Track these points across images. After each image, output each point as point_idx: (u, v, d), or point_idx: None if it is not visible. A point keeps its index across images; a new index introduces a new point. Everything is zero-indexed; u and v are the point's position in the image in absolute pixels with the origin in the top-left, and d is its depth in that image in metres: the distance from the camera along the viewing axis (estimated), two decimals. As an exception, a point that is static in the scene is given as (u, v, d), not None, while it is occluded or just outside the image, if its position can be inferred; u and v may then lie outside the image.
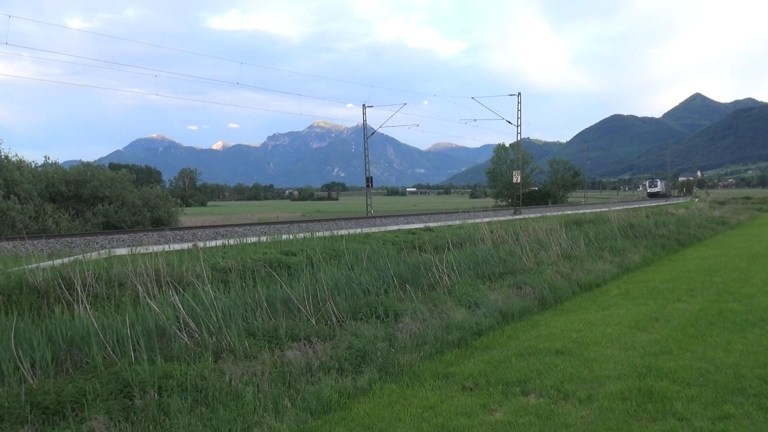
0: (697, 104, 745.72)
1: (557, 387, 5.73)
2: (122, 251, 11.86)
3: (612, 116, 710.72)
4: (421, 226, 21.40)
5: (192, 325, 6.76)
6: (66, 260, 9.44)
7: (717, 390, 5.51)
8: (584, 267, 12.95)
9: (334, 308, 7.84)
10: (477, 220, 22.14)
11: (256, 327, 7.04)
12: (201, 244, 12.96)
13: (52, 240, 15.56)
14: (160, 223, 31.50)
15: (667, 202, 58.26)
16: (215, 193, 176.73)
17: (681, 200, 70.54)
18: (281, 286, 8.33)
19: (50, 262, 9.26)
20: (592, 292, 11.38)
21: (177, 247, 12.67)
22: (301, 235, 15.79)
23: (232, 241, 14.53)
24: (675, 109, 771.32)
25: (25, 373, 5.36)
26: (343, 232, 17.13)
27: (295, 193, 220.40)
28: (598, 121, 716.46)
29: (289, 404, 5.28)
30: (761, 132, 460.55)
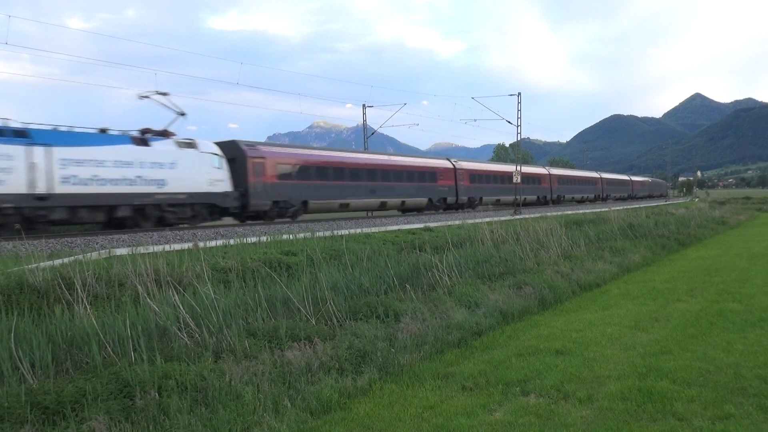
0: (697, 104, 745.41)
1: (557, 387, 5.73)
2: (122, 251, 11.85)
3: (612, 116, 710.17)
4: (421, 226, 21.39)
5: (192, 325, 6.76)
6: (66, 260, 9.44)
7: (717, 390, 5.51)
8: (584, 267, 12.95)
9: (334, 308, 7.84)
10: (477, 220, 22.14)
11: (256, 327, 7.05)
12: (201, 244, 12.96)
13: (52, 240, 15.54)
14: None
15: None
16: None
17: (681, 200, 70.17)
18: (281, 287, 8.33)
19: (50, 262, 9.25)
20: (592, 292, 11.38)
21: (177, 247, 12.66)
22: (301, 235, 15.78)
23: (232, 241, 14.52)
24: (675, 109, 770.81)
25: (25, 373, 5.36)
26: (344, 232, 17.12)
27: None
28: (598, 121, 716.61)
29: (289, 404, 5.28)
30: (761, 132, 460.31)
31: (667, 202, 58.61)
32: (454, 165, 40.24)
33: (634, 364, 6.39)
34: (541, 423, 4.92)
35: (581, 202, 62.06)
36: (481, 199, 42.92)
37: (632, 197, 79.38)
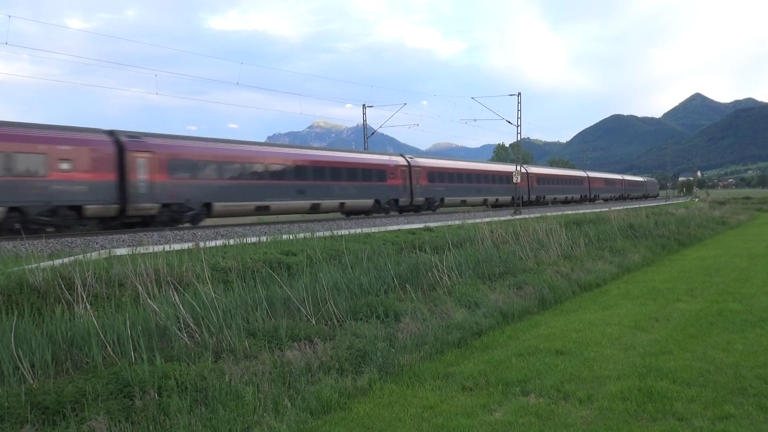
0: (697, 104, 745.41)
1: (557, 387, 5.73)
2: (122, 251, 11.84)
3: (612, 116, 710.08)
4: (421, 226, 21.39)
5: (192, 325, 6.76)
6: (66, 260, 9.43)
7: (717, 390, 5.52)
8: (584, 267, 12.96)
9: (334, 308, 7.85)
10: (477, 220, 22.14)
11: (256, 327, 7.05)
12: (201, 244, 12.96)
13: (52, 240, 15.54)
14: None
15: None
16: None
17: (681, 200, 69.61)
18: (281, 286, 8.33)
19: (50, 262, 9.25)
20: (592, 292, 11.39)
21: (177, 247, 12.66)
22: (301, 235, 15.78)
23: (232, 241, 14.52)
24: (675, 109, 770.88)
25: (25, 373, 5.36)
26: (344, 232, 17.12)
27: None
28: (598, 121, 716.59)
29: (289, 404, 5.29)
30: (761, 132, 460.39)
31: (665, 203, 58.25)
32: (122, 143, 21.56)
33: (634, 364, 6.39)
34: (541, 423, 4.92)
35: (495, 206, 44.24)
36: (209, 206, 24.27)
37: (589, 199, 62.90)
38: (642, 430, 4.74)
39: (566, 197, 58.65)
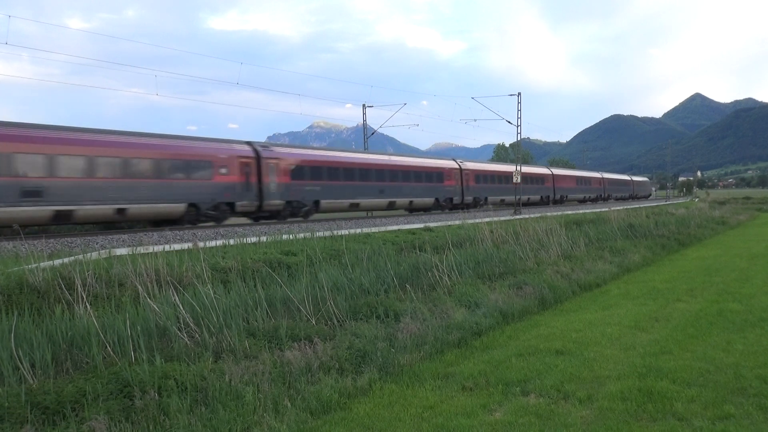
0: (697, 104, 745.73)
1: (557, 387, 5.73)
2: (122, 251, 11.84)
3: (612, 116, 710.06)
4: (421, 226, 21.39)
5: (192, 325, 6.76)
6: (66, 260, 9.43)
7: (717, 390, 5.52)
8: (584, 267, 12.96)
9: (334, 308, 7.85)
10: (477, 220, 22.13)
11: (256, 327, 7.05)
12: (201, 244, 12.95)
13: (52, 240, 15.54)
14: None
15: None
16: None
17: (681, 200, 69.30)
18: (281, 286, 8.33)
19: (50, 262, 9.25)
20: (592, 292, 11.39)
21: (177, 247, 12.66)
22: (301, 235, 15.78)
23: (232, 241, 14.52)
24: (675, 109, 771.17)
25: (25, 373, 5.36)
26: (344, 232, 17.12)
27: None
28: (598, 121, 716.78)
29: (289, 404, 5.29)
30: (761, 132, 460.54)
31: (665, 203, 58.06)
32: None
33: (634, 364, 6.39)
34: (541, 423, 4.92)
35: (418, 211, 36.56)
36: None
37: (553, 201, 54.49)
38: (642, 430, 4.74)
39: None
